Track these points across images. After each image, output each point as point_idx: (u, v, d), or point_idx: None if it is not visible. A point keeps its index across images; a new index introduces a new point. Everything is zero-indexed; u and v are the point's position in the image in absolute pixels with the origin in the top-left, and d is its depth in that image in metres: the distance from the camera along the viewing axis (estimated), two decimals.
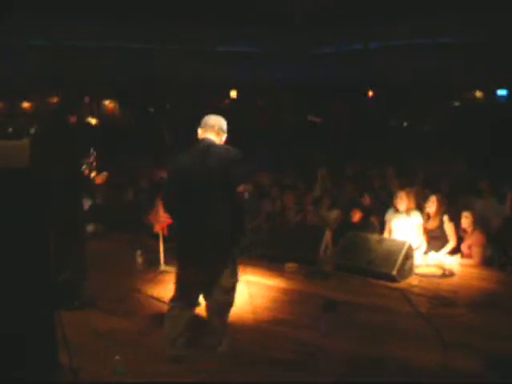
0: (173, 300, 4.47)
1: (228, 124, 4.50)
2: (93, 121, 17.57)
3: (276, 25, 15.00)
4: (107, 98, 18.49)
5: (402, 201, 7.08)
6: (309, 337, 4.89)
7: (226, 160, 4.20)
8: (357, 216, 7.62)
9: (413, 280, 6.27)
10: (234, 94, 19.51)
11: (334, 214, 7.67)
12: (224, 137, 4.44)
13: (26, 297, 3.75)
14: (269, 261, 6.95)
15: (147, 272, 6.62)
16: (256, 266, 6.79)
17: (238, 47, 18.14)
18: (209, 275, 4.38)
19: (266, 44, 17.17)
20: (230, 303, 4.53)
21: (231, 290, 4.47)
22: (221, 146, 4.37)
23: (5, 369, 3.68)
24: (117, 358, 4.11)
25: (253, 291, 6.00)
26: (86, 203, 8.77)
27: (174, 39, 16.42)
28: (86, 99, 17.84)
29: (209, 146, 4.29)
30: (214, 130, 4.36)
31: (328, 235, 6.98)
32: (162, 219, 6.49)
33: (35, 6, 12.99)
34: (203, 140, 4.35)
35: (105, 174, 5.67)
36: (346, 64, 16.60)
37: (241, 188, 4.23)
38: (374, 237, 6.62)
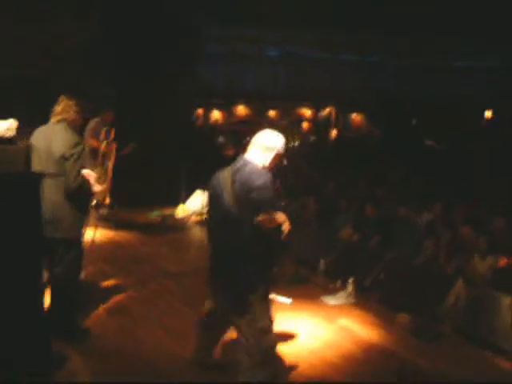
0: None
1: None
2: (334, 132, 17.49)
3: None
4: (354, 111, 18.23)
5: None
6: None
7: (246, 185, 3.71)
8: None
9: None
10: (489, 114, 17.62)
11: (489, 262, 6.21)
12: (270, 155, 3.86)
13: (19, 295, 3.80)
14: (385, 306, 5.97)
15: None
16: (366, 310, 5.93)
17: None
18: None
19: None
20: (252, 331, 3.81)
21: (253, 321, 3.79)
22: (250, 168, 3.81)
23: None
24: None
25: (333, 339, 5.22)
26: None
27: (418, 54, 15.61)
28: (332, 112, 17.88)
29: (240, 166, 3.84)
30: (255, 147, 3.89)
31: (460, 286, 5.68)
32: None
33: None
34: (241, 158, 3.91)
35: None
36: None
37: (261, 217, 3.63)
38: (507, 300, 5.16)
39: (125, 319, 5.41)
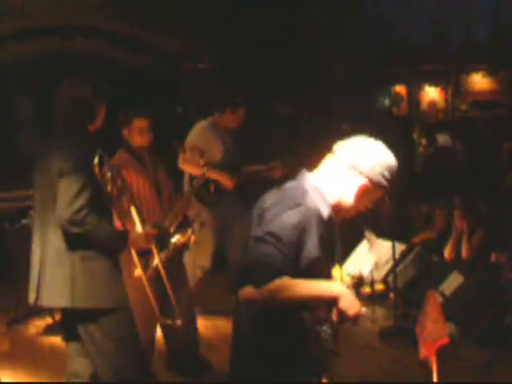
0: None
1: None
2: None
3: None
4: None
5: None
6: None
7: (263, 220, 2.19)
8: None
9: None
10: None
11: None
12: (353, 183, 2.16)
13: None
14: None
15: None
16: None
17: None
18: None
19: None
20: None
21: None
22: (291, 194, 2.15)
23: None
24: None
25: None
26: None
27: None
28: None
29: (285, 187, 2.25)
30: (334, 159, 2.22)
31: None
32: (429, 339, 3.13)
33: None
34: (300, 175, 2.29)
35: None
36: None
37: (248, 292, 2.06)
38: None
39: None
